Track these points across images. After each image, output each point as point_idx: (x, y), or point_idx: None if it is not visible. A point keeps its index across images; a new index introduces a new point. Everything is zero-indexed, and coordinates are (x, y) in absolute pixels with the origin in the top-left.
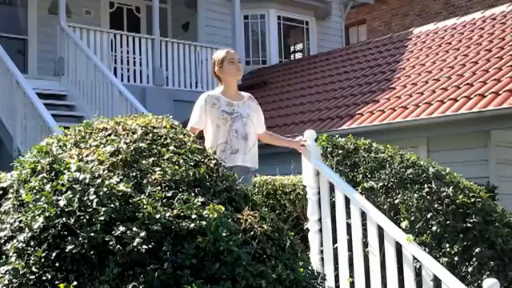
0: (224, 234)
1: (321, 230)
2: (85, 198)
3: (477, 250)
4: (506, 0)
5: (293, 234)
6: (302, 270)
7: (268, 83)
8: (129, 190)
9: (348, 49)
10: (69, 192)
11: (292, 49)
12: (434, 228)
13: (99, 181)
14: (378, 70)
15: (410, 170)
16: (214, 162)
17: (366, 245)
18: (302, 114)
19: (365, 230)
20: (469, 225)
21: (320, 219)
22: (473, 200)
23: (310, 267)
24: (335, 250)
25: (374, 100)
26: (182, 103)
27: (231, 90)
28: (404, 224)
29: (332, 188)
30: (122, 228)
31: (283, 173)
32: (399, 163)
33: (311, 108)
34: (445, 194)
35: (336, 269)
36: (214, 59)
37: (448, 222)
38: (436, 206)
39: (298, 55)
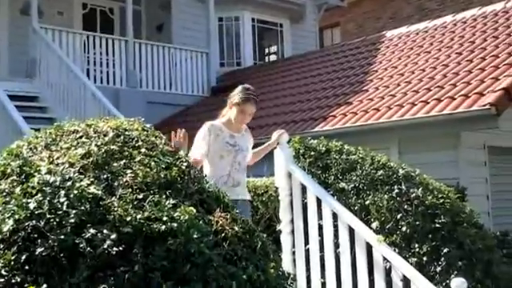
0: (195, 236)
1: (293, 232)
2: (55, 201)
3: (445, 250)
4: (477, 4)
5: (265, 235)
6: (272, 270)
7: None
8: (99, 192)
9: (322, 51)
10: (39, 195)
11: (266, 51)
12: (404, 228)
13: (70, 183)
14: (351, 73)
15: (381, 171)
16: (185, 164)
17: (337, 245)
18: (275, 115)
19: (336, 231)
20: (437, 225)
21: (292, 220)
22: (442, 201)
23: (280, 268)
24: (307, 251)
25: (347, 102)
26: (156, 105)
27: (236, 124)
28: (374, 225)
29: (304, 189)
30: (92, 230)
31: (256, 174)
32: (370, 165)
33: (285, 110)
34: (414, 195)
35: (308, 269)
36: (235, 94)
37: (417, 223)
38: (406, 206)
39: (273, 57)
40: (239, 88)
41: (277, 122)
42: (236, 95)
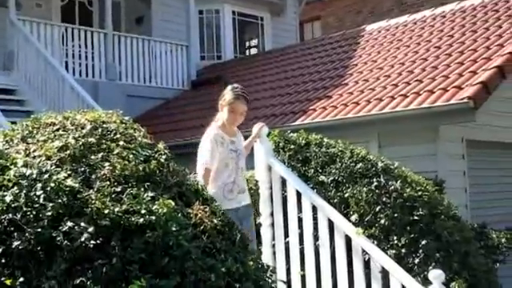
0: (173, 229)
1: (273, 224)
2: (32, 194)
3: (423, 242)
4: None
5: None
6: (251, 263)
7: (223, 78)
8: (77, 185)
9: (302, 45)
10: (15, 187)
11: (247, 44)
12: (383, 221)
13: (46, 176)
14: (331, 66)
15: (360, 164)
16: (164, 156)
17: (317, 238)
18: (255, 109)
19: (316, 223)
20: (416, 218)
21: (272, 213)
22: (420, 193)
23: (260, 261)
24: (287, 244)
25: (327, 96)
26: (136, 98)
27: (230, 127)
28: (354, 217)
29: (284, 183)
30: (69, 223)
31: None
32: (349, 158)
33: (265, 103)
34: (393, 187)
35: (288, 262)
36: (223, 95)
37: (396, 215)
38: (384, 199)
39: (253, 51)
40: (228, 88)
41: (257, 115)
42: (225, 95)
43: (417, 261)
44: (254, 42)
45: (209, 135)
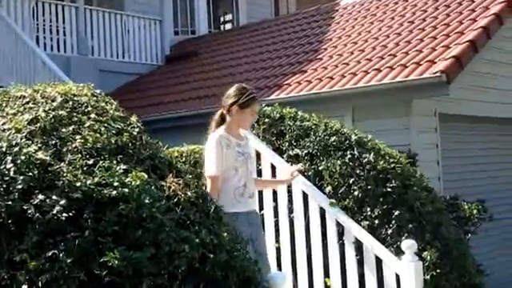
0: (147, 201)
1: None
2: (1, 167)
3: (396, 213)
4: None
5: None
6: (226, 234)
7: (197, 54)
8: (48, 158)
9: (277, 20)
10: None
11: (222, 19)
12: (356, 193)
13: (17, 149)
14: (305, 41)
15: (334, 137)
16: (137, 129)
17: (291, 211)
18: (230, 84)
19: (290, 196)
20: (389, 189)
21: None
22: (393, 166)
23: (234, 232)
24: (262, 216)
25: (301, 70)
26: (109, 74)
27: (237, 129)
28: (328, 189)
29: (258, 156)
30: (40, 196)
31: None
32: (323, 131)
33: (240, 78)
34: (366, 160)
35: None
36: (233, 96)
37: (369, 187)
38: (358, 171)
39: (228, 26)
40: (236, 90)
41: None
42: (237, 97)
43: (390, 231)
44: (229, 16)
45: (213, 137)
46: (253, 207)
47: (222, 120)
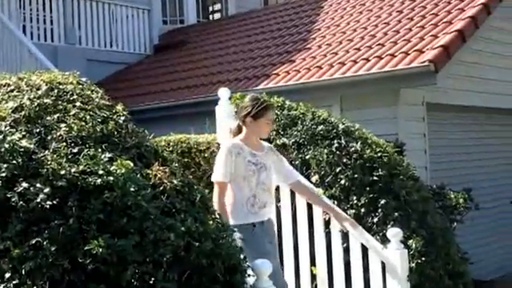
0: (132, 189)
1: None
2: None
3: (382, 201)
4: None
5: (207, 191)
6: (211, 222)
7: (186, 43)
8: (32, 146)
9: (266, 9)
10: None
11: (210, 9)
12: (343, 181)
13: (0, 137)
14: (294, 31)
15: (321, 126)
16: (122, 118)
17: (278, 199)
18: (219, 73)
19: (277, 185)
20: (375, 178)
21: None
22: (379, 154)
23: (219, 220)
24: None
25: (290, 60)
26: (97, 63)
27: (253, 139)
28: (314, 178)
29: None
30: (24, 184)
31: (198, 132)
32: (311, 120)
33: (229, 68)
34: (353, 149)
35: None
36: (251, 106)
37: (356, 176)
38: (345, 160)
39: (217, 15)
40: (249, 101)
41: (220, 79)
42: (250, 108)
43: (376, 220)
44: (218, 6)
45: (225, 145)
46: (266, 217)
47: (240, 131)
